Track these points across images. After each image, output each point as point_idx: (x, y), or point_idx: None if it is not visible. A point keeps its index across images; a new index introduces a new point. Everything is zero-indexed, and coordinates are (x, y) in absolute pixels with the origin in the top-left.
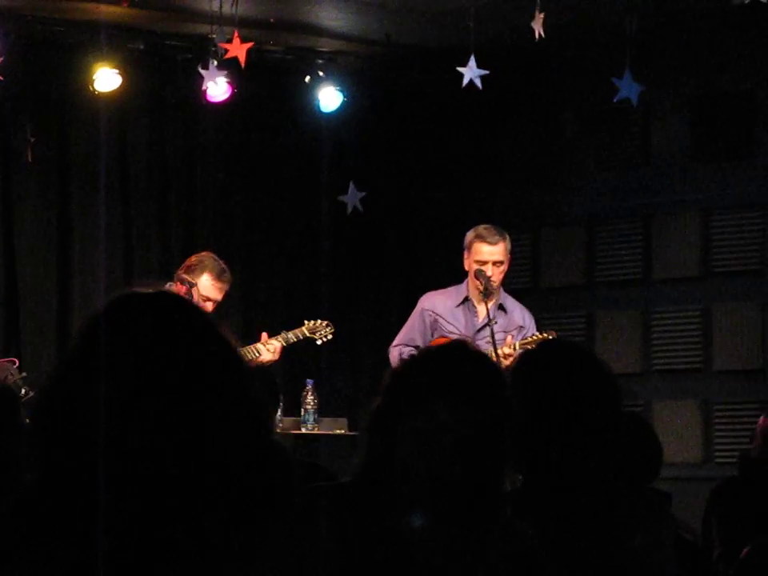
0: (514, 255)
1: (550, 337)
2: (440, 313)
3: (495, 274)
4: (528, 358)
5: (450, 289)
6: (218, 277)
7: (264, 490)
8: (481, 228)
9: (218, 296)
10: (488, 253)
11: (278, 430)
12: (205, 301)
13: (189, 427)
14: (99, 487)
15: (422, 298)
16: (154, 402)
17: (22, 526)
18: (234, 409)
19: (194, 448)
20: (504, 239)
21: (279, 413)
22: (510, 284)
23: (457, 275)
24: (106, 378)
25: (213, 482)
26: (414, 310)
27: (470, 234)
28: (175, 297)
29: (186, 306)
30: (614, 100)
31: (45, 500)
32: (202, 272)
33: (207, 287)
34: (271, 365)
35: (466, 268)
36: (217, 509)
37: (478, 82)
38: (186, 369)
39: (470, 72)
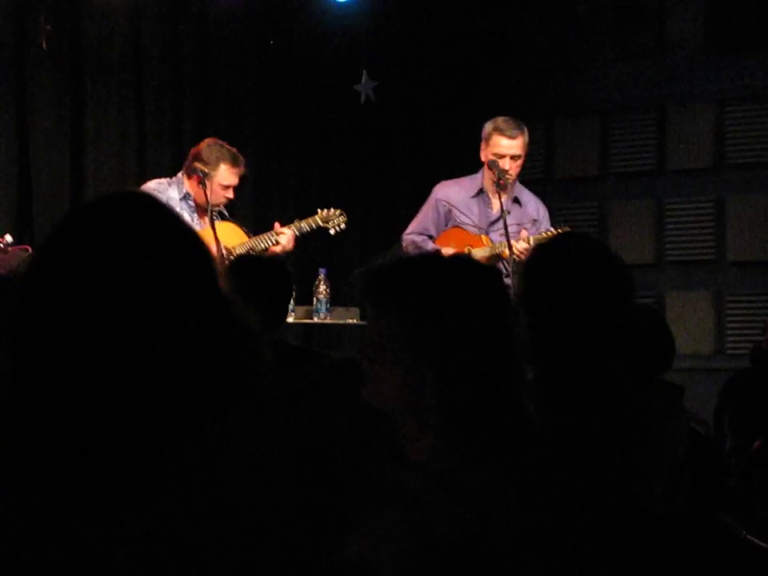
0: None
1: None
2: (454, 203)
3: (512, 168)
4: (541, 250)
5: (464, 179)
6: (234, 162)
7: (226, 374)
8: (500, 120)
9: (236, 181)
10: (506, 146)
11: (291, 319)
12: (225, 188)
13: (152, 316)
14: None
15: (435, 187)
16: (125, 293)
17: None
18: (197, 298)
19: (158, 339)
20: (523, 132)
21: (292, 302)
22: (523, 174)
23: (468, 166)
24: (77, 280)
25: (175, 371)
26: (428, 199)
27: (488, 126)
28: (143, 197)
29: (152, 204)
30: None
31: (20, 408)
32: (218, 162)
33: (226, 176)
34: (285, 254)
35: (483, 159)
36: (177, 399)
37: None
38: (152, 262)
39: None
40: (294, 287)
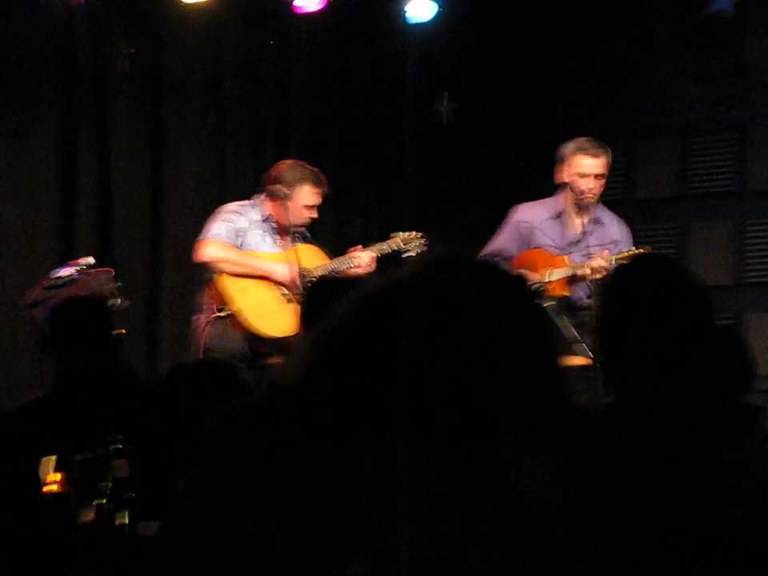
0: None
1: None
2: (536, 224)
3: (596, 187)
4: (620, 272)
5: (544, 201)
6: (317, 182)
7: None
8: (583, 140)
9: (319, 200)
10: (590, 165)
11: None
12: (308, 209)
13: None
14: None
15: (515, 209)
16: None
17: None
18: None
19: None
20: (607, 152)
21: None
22: (602, 195)
23: (546, 188)
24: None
25: None
26: (507, 221)
27: (570, 146)
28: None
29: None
30: (711, 11)
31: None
32: (300, 182)
33: (308, 196)
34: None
35: (562, 180)
36: None
37: None
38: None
39: None
40: None
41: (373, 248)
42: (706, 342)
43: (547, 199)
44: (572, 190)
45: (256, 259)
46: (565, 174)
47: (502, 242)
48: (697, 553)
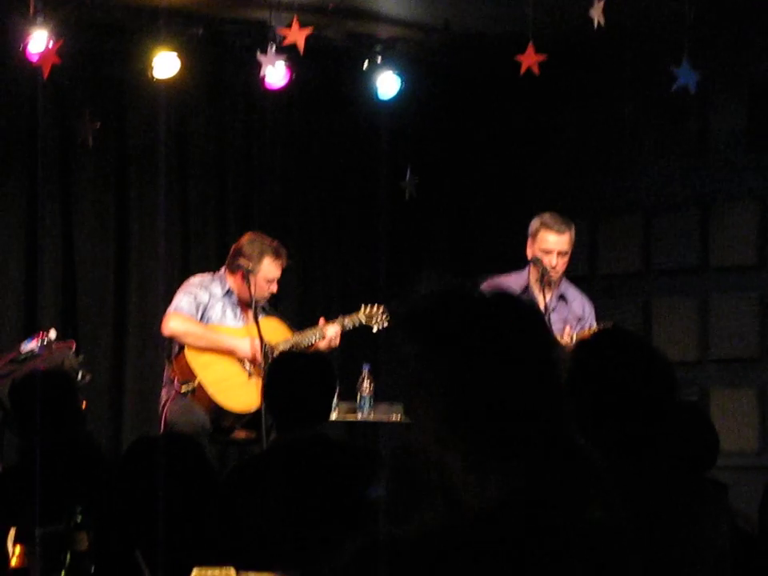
0: None
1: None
2: None
3: (559, 264)
4: (584, 347)
5: (511, 275)
6: (277, 255)
7: None
8: (547, 216)
9: (279, 273)
10: (554, 242)
11: (334, 416)
12: (269, 282)
13: None
14: None
15: (484, 283)
16: None
17: None
18: None
19: None
20: (570, 228)
21: (336, 399)
22: (567, 271)
23: (511, 263)
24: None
25: None
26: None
27: (535, 222)
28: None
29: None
30: (673, 89)
31: None
32: (261, 256)
33: (270, 269)
34: (330, 350)
35: (529, 255)
36: None
37: (536, 69)
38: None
39: (529, 59)
40: (338, 384)
41: (337, 321)
42: (671, 418)
43: (516, 273)
44: (534, 265)
45: (219, 335)
46: (531, 250)
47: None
48: None
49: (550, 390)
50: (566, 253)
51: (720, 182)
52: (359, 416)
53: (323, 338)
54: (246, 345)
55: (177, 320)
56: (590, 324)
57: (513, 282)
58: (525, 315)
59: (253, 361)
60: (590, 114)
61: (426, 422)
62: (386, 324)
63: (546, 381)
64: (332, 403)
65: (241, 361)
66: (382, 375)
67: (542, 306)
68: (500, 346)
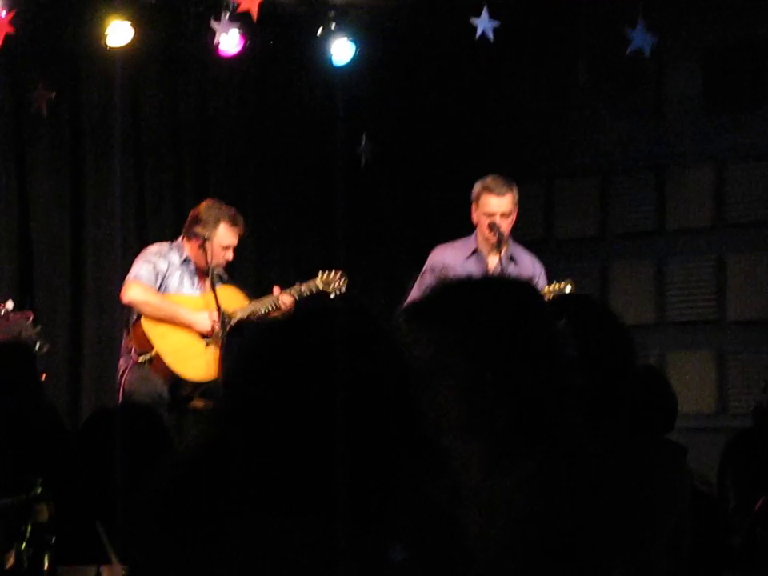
0: (527, 206)
1: (566, 287)
2: (450, 264)
3: (503, 225)
4: None
5: (458, 241)
6: (233, 222)
7: None
8: (488, 179)
9: (236, 240)
10: (496, 204)
11: None
12: (225, 249)
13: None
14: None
15: (431, 253)
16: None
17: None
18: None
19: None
20: (511, 190)
21: None
22: (523, 235)
23: (469, 227)
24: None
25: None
26: (425, 267)
27: (477, 186)
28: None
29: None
30: (628, 51)
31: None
32: (217, 222)
33: (225, 235)
34: None
35: (474, 220)
36: None
37: (490, 34)
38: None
39: (483, 23)
40: None
41: (292, 289)
42: (629, 382)
43: (464, 239)
44: (489, 229)
45: (178, 308)
46: (475, 215)
47: (418, 290)
48: None
49: (559, 369)
50: (509, 214)
51: (676, 144)
52: None
53: (277, 307)
54: (205, 319)
55: (137, 288)
56: (542, 284)
57: (459, 247)
58: (526, 294)
59: (211, 334)
60: (545, 78)
61: (449, 410)
62: (343, 290)
63: (555, 360)
64: None
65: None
66: None
67: (493, 267)
68: (511, 327)
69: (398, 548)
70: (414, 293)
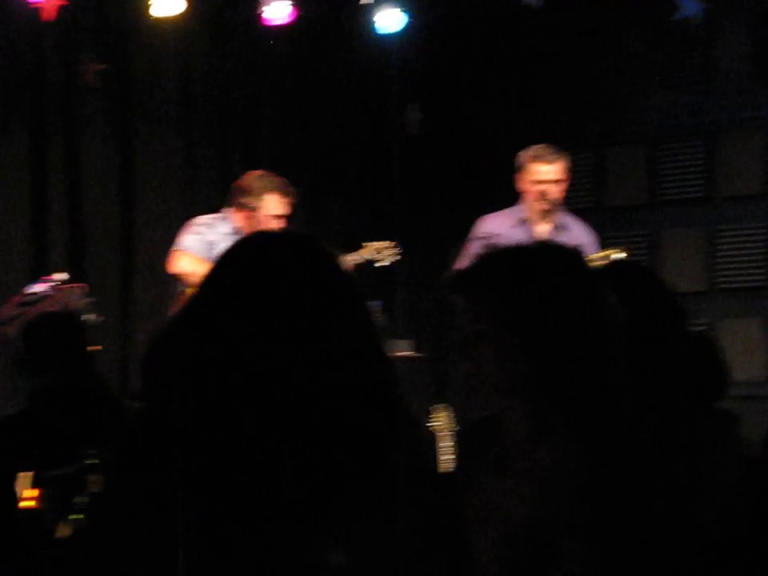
0: (577, 175)
1: (617, 254)
2: (499, 234)
3: (554, 192)
4: None
5: (504, 211)
6: (284, 192)
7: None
8: (537, 147)
9: (286, 210)
10: (545, 171)
11: None
12: (275, 219)
13: (313, 372)
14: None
15: (479, 221)
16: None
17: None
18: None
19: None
20: (561, 158)
21: None
22: (573, 203)
23: (517, 196)
24: (234, 321)
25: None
26: (470, 236)
27: (523, 154)
28: (305, 239)
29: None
30: (676, 18)
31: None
32: (267, 193)
33: (275, 205)
34: None
35: (520, 189)
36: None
37: (539, 2)
38: (314, 311)
39: None
40: None
41: (344, 258)
42: (680, 349)
43: (511, 208)
44: (539, 198)
45: None
46: (521, 184)
47: (465, 259)
48: (672, 558)
49: (606, 337)
50: (560, 181)
51: (725, 111)
52: None
53: None
54: None
55: (185, 259)
56: (592, 252)
57: (506, 216)
58: (571, 261)
59: None
60: (594, 46)
61: (493, 376)
62: (395, 259)
63: (601, 328)
64: None
65: None
66: (393, 311)
67: (544, 236)
68: (555, 294)
69: (338, 552)
70: (461, 262)
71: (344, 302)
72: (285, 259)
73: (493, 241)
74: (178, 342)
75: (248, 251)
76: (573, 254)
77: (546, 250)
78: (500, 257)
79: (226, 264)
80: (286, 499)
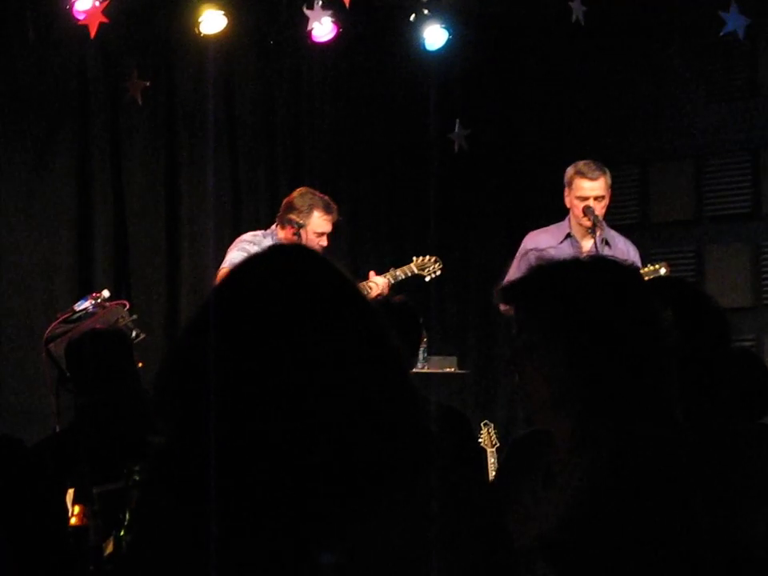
0: (621, 190)
1: (661, 269)
2: (546, 248)
3: (597, 209)
4: None
5: (551, 227)
6: (327, 209)
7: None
8: (581, 164)
9: (330, 228)
10: (589, 188)
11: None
12: (319, 236)
13: (328, 382)
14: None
15: (525, 238)
16: (298, 360)
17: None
18: (372, 358)
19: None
20: (604, 174)
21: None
22: (618, 220)
23: (563, 212)
24: (242, 337)
25: (352, 437)
26: (518, 252)
27: (570, 170)
28: (309, 251)
29: (318, 259)
30: (721, 33)
31: (177, 463)
32: (311, 210)
33: (319, 223)
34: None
35: (567, 205)
36: (352, 468)
37: (582, 18)
38: (322, 321)
39: (578, 7)
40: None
41: (387, 274)
42: (725, 365)
43: (558, 223)
44: (583, 214)
45: None
46: (567, 199)
47: (513, 273)
48: (720, 573)
49: (655, 351)
50: (603, 197)
51: None
52: (413, 369)
53: (372, 290)
54: None
55: None
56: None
57: (552, 232)
58: (622, 276)
59: None
60: (639, 62)
61: (540, 388)
62: (438, 273)
63: (650, 343)
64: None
65: None
66: (434, 328)
67: (587, 251)
68: (610, 309)
69: (327, 552)
70: (510, 276)
71: (355, 318)
72: (294, 276)
73: (542, 255)
74: (184, 377)
75: (250, 274)
76: (629, 270)
77: (602, 264)
78: (554, 269)
79: (231, 284)
80: (307, 516)
